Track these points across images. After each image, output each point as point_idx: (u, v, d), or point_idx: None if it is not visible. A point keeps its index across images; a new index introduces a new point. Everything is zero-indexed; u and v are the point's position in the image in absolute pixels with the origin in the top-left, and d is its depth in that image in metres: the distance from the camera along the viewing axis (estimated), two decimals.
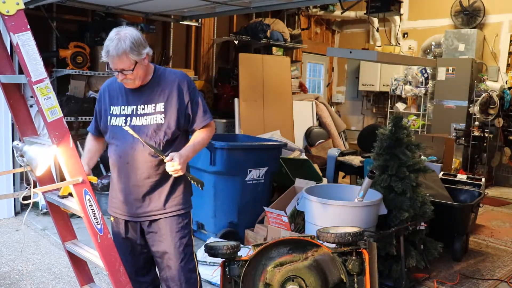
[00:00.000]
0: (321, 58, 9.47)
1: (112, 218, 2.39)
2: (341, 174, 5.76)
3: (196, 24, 6.83)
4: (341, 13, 7.79)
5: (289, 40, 7.82)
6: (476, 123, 7.07)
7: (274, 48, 7.67)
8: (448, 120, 7.21)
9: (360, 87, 9.07)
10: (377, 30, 8.34)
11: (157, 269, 2.45)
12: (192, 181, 2.31)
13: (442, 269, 3.79)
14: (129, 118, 2.24)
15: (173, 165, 2.12)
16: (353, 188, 3.54)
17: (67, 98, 5.29)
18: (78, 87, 5.47)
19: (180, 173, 2.16)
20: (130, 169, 2.24)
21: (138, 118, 2.23)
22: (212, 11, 5.72)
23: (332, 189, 3.62)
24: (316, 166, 5.06)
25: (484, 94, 6.81)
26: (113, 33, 2.11)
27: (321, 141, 7.24)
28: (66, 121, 1.93)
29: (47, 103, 1.85)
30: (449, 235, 3.93)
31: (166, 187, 2.28)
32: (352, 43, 9.25)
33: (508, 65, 7.56)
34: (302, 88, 8.35)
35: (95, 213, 1.97)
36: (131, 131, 2.15)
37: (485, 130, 6.99)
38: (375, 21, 7.99)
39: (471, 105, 7.03)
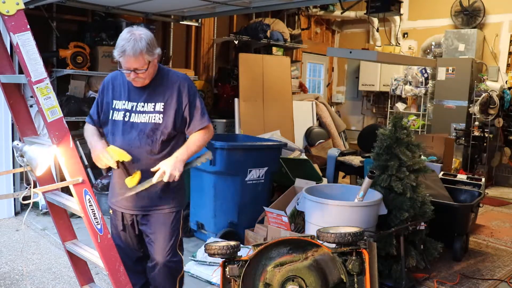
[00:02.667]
0: (321, 58, 9.46)
1: (111, 211, 2.49)
2: (341, 174, 5.76)
3: (196, 24, 6.83)
4: (341, 13, 7.79)
5: (289, 40, 7.82)
6: (476, 123, 7.07)
7: (274, 48, 7.66)
8: (448, 120, 7.21)
9: (360, 87, 9.07)
10: (377, 30, 8.34)
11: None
12: (199, 164, 2.40)
13: (442, 269, 3.79)
14: (128, 114, 2.31)
15: (167, 175, 2.21)
16: (353, 188, 3.54)
17: (67, 98, 5.29)
18: (78, 87, 5.47)
19: (178, 176, 2.26)
20: (126, 164, 2.30)
21: (137, 115, 2.30)
22: (212, 11, 5.71)
23: (332, 189, 3.62)
24: (316, 166, 5.05)
25: (484, 94, 6.81)
26: (126, 34, 2.16)
27: (321, 141, 7.23)
28: (66, 121, 1.93)
29: (47, 103, 1.86)
30: (449, 235, 3.93)
31: (160, 185, 2.35)
32: (352, 43, 9.24)
33: (508, 65, 7.56)
34: (302, 88, 8.35)
35: (95, 213, 1.97)
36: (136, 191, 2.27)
37: (485, 130, 6.99)
38: (375, 21, 7.98)
39: (471, 105, 7.02)
